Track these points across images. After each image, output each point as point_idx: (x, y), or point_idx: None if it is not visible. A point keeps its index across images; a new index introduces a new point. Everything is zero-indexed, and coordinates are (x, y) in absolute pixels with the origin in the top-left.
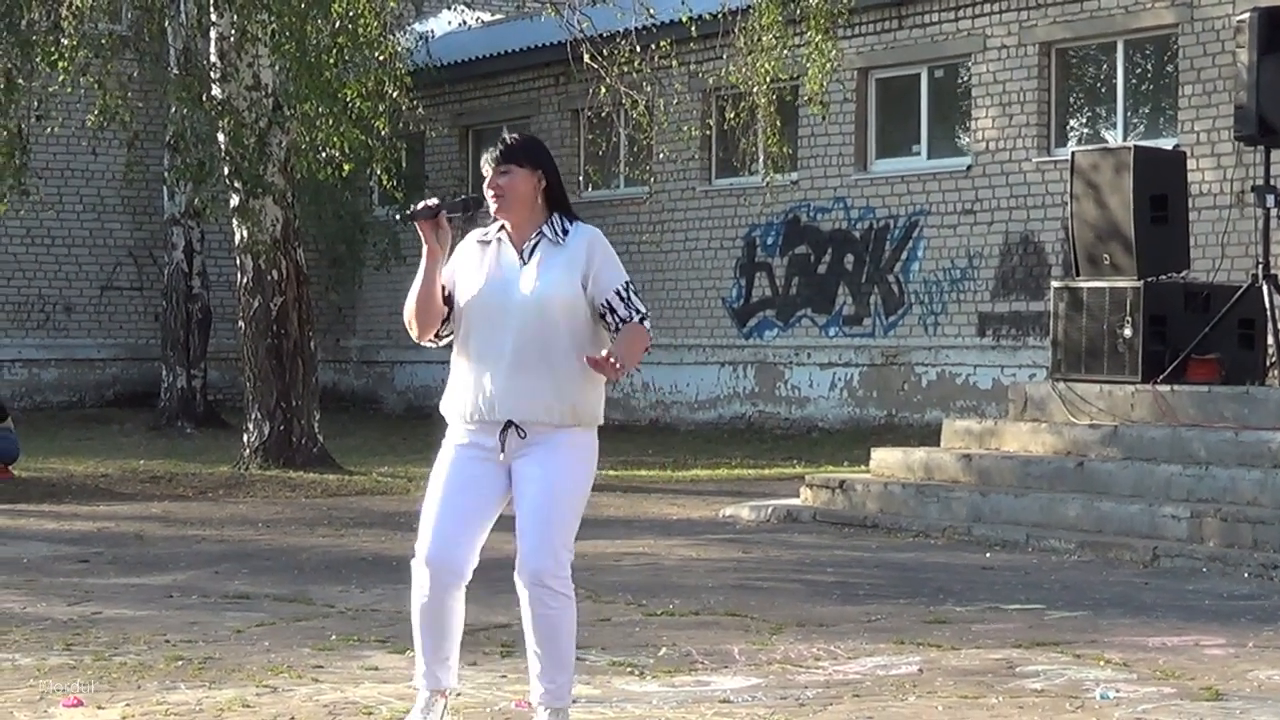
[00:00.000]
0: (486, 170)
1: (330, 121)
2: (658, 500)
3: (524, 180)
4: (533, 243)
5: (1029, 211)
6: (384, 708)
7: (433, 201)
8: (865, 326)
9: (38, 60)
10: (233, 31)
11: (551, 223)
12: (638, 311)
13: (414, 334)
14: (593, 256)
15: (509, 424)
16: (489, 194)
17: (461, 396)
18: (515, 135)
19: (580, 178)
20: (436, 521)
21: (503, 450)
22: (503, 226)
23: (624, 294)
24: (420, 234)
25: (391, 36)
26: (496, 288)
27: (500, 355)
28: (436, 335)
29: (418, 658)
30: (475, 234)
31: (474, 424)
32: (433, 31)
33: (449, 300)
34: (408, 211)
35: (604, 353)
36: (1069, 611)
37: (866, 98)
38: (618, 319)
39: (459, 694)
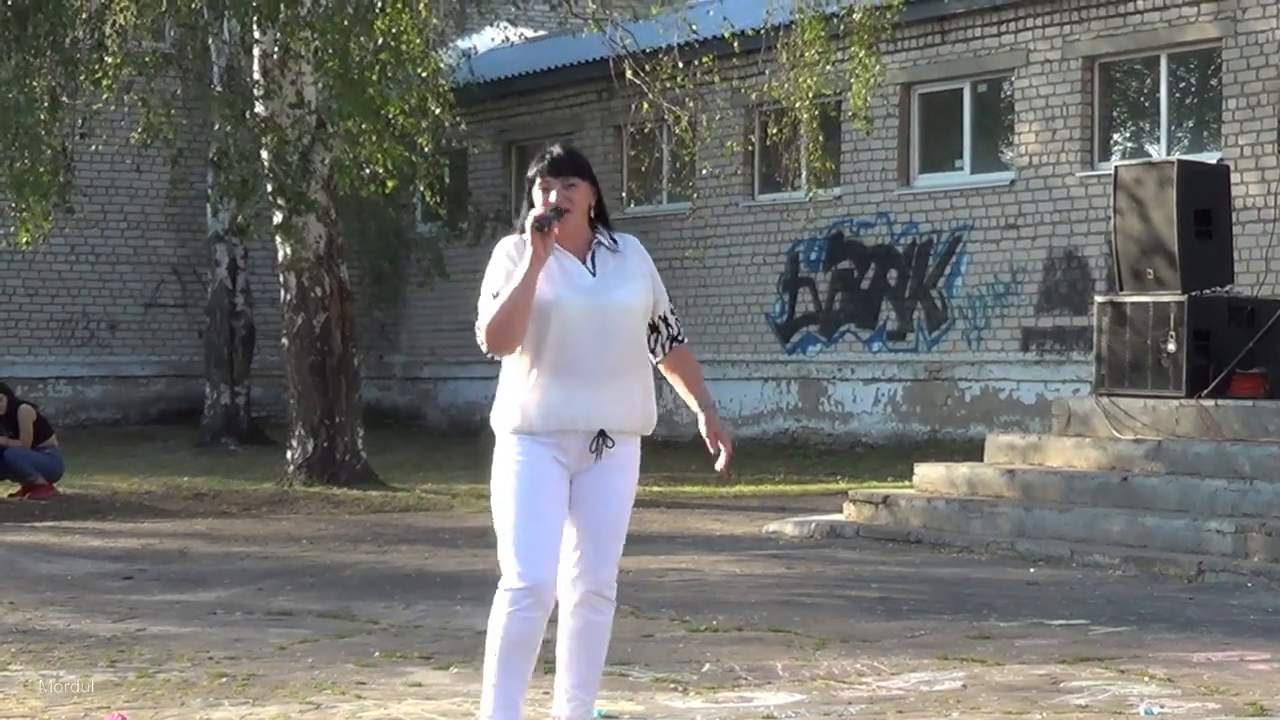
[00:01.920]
0: (542, 180)
1: (373, 138)
2: (701, 516)
3: (586, 194)
4: (592, 252)
5: (1072, 226)
6: None
7: (548, 212)
8: (909, 342)
9: (82, 78)
10: (276, 49)
11: (600, 233)
12: (680, 329)
13: (496, 345)
14: (650, 269)
15: (601, 433)
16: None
17: (546, 406)
18: (565, 147)
19: (623, 194)
20: (531, 544)
21: (597, 457)
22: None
23: (671, 309)
24: (531, 241)
25: (434, 53)
26: (584, 297)
27: (599, 364)
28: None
29: (494, 695)
30: (512, 242)
31: (557, 434)
32: (475, 48)
33: None
34: (540, 218)
35: (724, 458)
36: (1113, 627)
37: (909, 113)
38: (670, 334)
39: None
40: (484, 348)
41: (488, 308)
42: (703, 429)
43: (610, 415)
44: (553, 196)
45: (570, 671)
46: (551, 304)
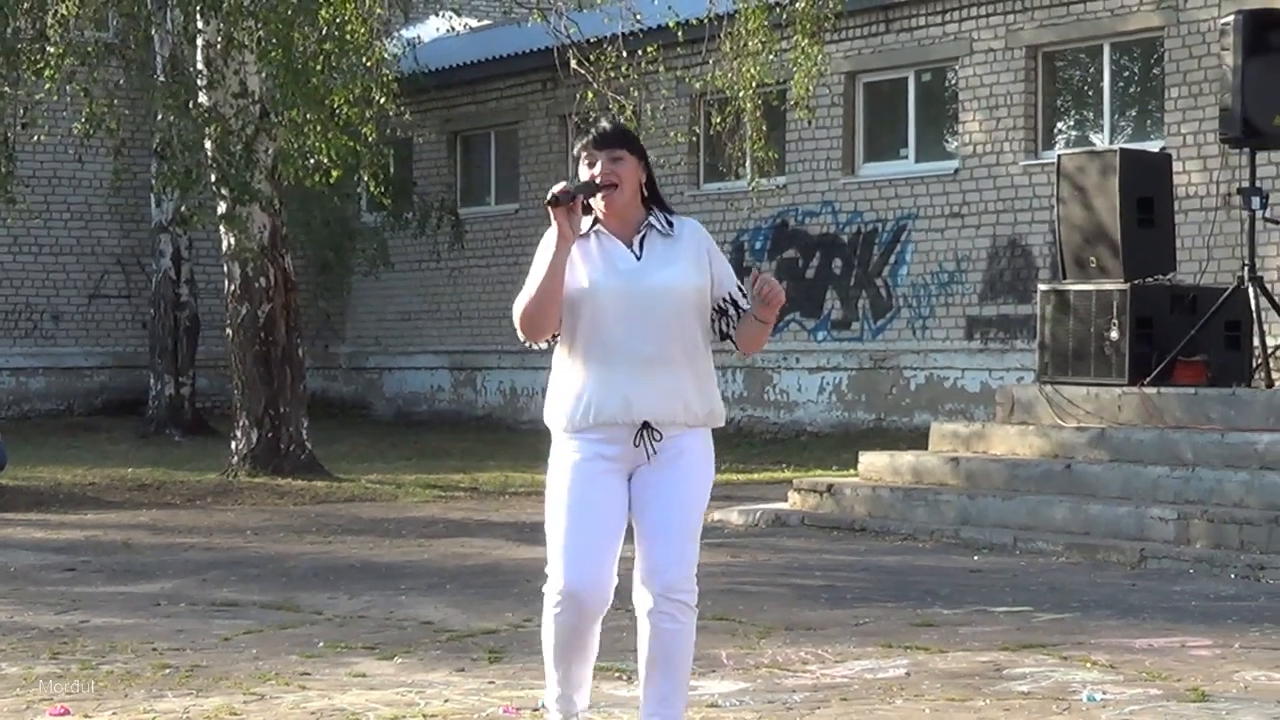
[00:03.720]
0: (587, 154)
1: (317, 128)
2: None
3: (634, 169)
4: (641, 235)
5: (1016, 215)
6: (371, 714)
7: (569, 186)
8: (853, 330)
9: (24, 68)
10: (219, 38)
11: (655, 215)
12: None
13: (528, 335)
14: (711, 250)
15: (645, 426)
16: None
17: (584, 399)
18: (613, 121)
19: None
20: (576, 548)
21: (647, 455)
22: (596, 219)
23: (742, 288)
24: (554, 220)
25: (379, 43)
26: (621, 281)
27: (636, 352)
28: (553, 335)
29: (551, 683)
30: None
31: (599, 429)
32: (420, 37)
33: None
34: (555, 194)
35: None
36: (1056, 613)
37: (854, 102)
38: (740, 311)
39: (446, 700)
40: (520, 336)
41: (521, 294)
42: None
43: (654, 407)
44: (597, 169)
45: (647, 685)
46: (584, 290)
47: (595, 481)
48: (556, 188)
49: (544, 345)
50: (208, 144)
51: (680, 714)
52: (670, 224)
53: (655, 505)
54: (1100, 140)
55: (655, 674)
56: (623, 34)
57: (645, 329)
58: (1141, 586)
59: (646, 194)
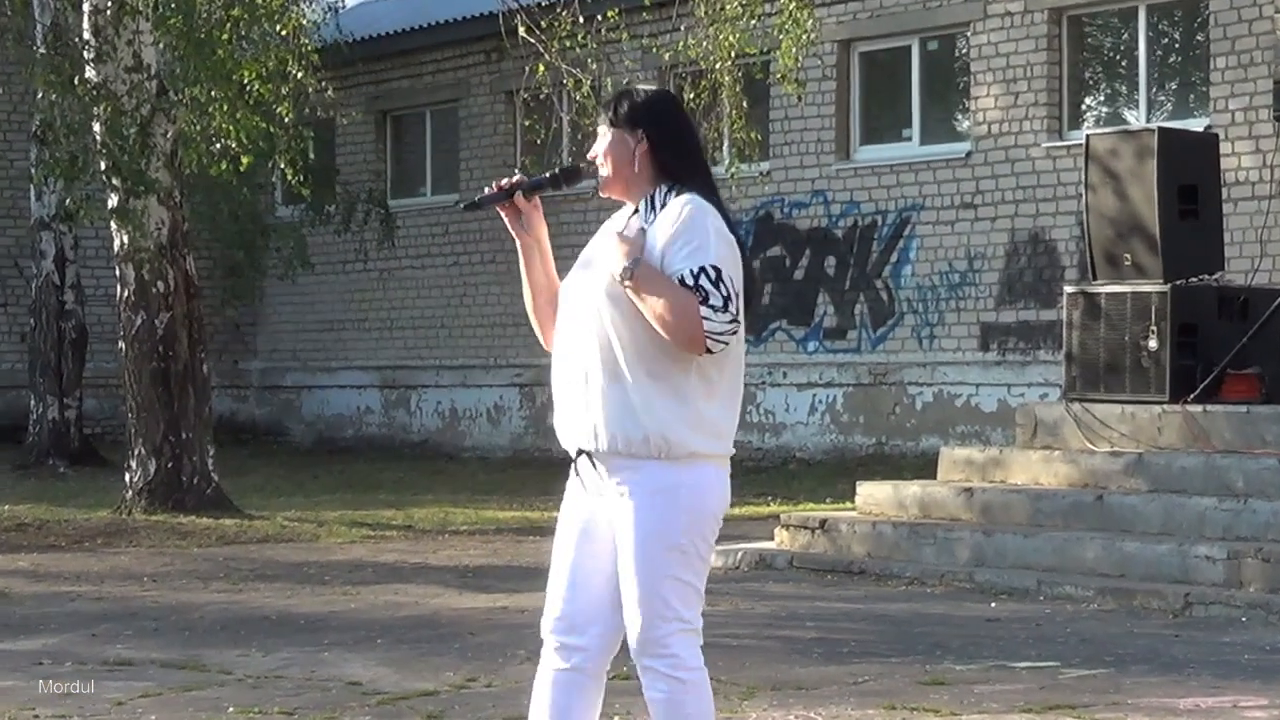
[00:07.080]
0: None
1: (225, 107)
2: None
3: (618, 144)
4: (623, 228)
5: (1038, 205)
6: None
7: (504, 181)
8: (850, 341)
9: None
10: (109, 4)
11: (650, 197)
12: (707, 302)
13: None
14: (680, 229)
15: (580, 453)
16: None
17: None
18: (631, 88)
19: (516, 169)
20: (551, 588)
21: (584, 486)
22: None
23: (693, 280)
24: (505, 222)
25: (296, 8)
26: (567, 285)
27: (568, 370)
28: None
29: None
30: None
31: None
32: (343, 2)
33: None
34: (472, 200)
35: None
36: (1087, 670)
37: (849, 75)
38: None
39: None
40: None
41: None
42: None
43: (584, 433)
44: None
45: None
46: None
47: (578, 513)
48: (483, 192)
49: None
50: (96, 126)
51: None
52: (663, 206)
53: (616, 556)
54: (1135, 118)
55: None
56: None
57: (575, 342)
58: (1186, 637)
59: (658, 169)
